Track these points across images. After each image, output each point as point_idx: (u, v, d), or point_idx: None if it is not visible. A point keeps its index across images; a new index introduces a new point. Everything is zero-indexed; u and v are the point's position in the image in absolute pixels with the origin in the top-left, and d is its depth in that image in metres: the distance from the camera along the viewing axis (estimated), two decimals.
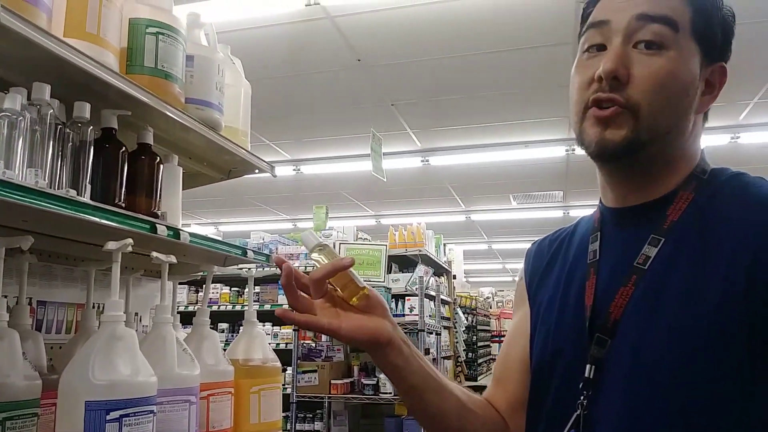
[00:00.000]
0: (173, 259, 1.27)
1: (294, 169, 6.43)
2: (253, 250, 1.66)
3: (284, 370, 4.67)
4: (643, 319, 0.73)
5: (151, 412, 1.06)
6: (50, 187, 1.01)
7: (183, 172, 1.80)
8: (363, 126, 4.84)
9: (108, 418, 0.98)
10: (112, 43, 1.16)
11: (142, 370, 1.06)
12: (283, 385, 4.51)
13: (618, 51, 0.75)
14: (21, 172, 0.97)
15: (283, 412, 4.16)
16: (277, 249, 4.72)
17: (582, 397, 0.75)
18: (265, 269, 1.85)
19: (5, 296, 1.28)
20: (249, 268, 1.71)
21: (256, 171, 1.78)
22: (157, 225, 1.21)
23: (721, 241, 0.72)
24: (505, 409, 0.91)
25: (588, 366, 0.75)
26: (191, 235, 1.34)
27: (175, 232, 1.27)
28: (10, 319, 1.17)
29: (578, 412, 0.74)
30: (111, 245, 1.06)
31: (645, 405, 0.70)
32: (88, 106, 1.11)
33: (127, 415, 1.01)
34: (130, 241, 1.06)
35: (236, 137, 1.60)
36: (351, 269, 0.77)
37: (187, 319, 1.55)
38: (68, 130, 1.07)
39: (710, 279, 0.70)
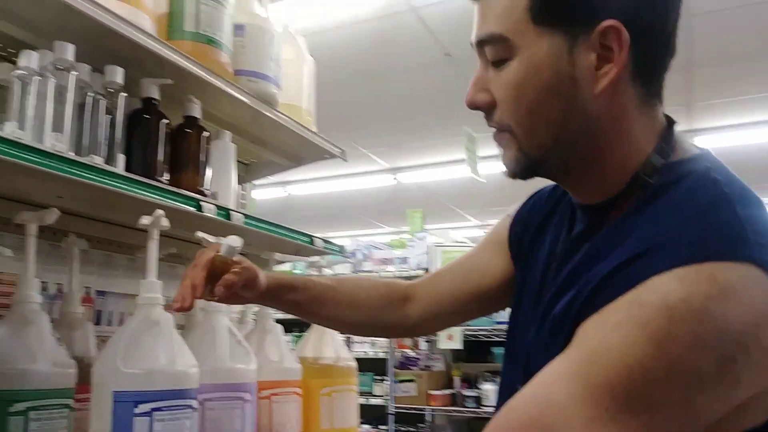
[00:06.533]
0: (237, 241, 1.16)
1: (393, 179, 6.31)
2: (322, 239, 1.53)
3: (381, 380, 4.53)
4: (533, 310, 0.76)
5: (190, 407, 0.94)
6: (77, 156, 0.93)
7: (252, 162, 1.71)
8: (457, 127, 4.63)
9: (136, 411, 0.87)
10: (149, 6, 1.07)
11: (181, 358, 0.94)
12: (383, 396, 4.36)
13: (473, 80, 0.73)
14: (46, 137, 0.89)
15: (381, 424, 4.00)
16: (371, 252, 4.63)
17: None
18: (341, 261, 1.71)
19: (59, 284, 1.24)
20: (320, 259, 1.57)
21: (326, 156, 1.65)
22: (203, 203, 1.10)
23: (608, 253, 0.65)
24: (423, 297, 0.99)
25: None
26: (246, 216, 1.22)
27: (226, 212, 1.16)
28: (62, 307, 1.11)
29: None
30: (145, 220, 0.96)
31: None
32: (120, 70, 1.03)
33: (159, 409, 0.89)
34: (161, 212, 0.95)
35: (299, 116, 1.48)
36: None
37: None
38: (99, 97, 0.99)
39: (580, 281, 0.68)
